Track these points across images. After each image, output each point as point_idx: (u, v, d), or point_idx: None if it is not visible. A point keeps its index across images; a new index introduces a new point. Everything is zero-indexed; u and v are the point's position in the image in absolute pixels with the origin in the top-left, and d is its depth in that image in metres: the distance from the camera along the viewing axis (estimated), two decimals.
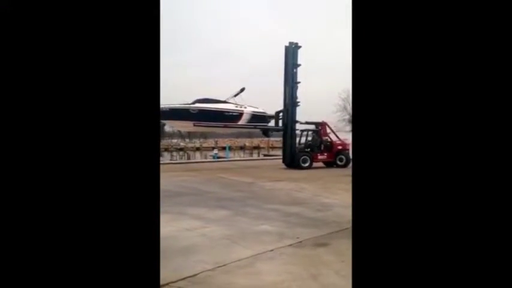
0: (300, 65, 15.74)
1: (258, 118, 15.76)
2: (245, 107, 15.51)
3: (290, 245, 4.09)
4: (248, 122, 15.63)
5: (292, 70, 15.62)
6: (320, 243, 4.16)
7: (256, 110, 15.80)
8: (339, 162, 15.55)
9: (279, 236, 4.44)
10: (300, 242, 4.21)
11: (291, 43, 15.67)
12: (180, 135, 58.13)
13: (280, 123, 15.99)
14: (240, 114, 15.33)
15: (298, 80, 15.42)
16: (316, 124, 16.51)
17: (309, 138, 16.26)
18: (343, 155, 15.67)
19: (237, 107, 15.43)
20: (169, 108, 13.96)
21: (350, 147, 15.84)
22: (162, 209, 6.01)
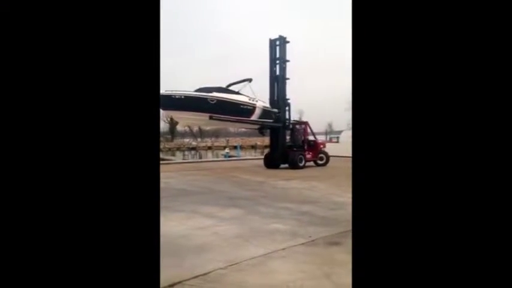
0: (288, 60, 14.81)
1: (267, 114, 14.27)
2: (256, 101, 13.83)
3: (302, 243, 4.07)
4: (258, 118, 13.86)
5: (282, 66, 14.63)
6: (333, 242, 4.13)
7: (265, 105, 14.31)
8: (319, 162, 15.40)
9: (291, 235, 4.42)
10: (313, 240, 4.18)
11: (281, 37, 14.81)
12: (192, 134, 58.58)
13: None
14: (253, 108, 13.56)
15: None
16: (299, 123, 16.19)
17: (288, 138, 15.54)
18: (323, 153, 15.75)
19: (250, 100, 13.60)
20: (185, 96, 11.75)
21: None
22: (175, 208, 6.07)
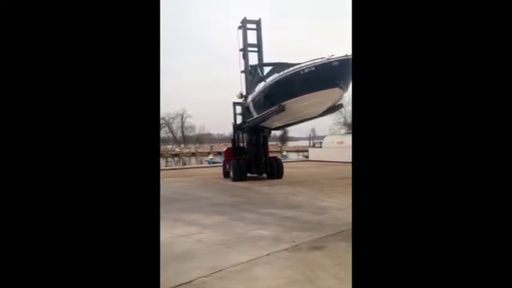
0: (261, 50, 12.21)
1: None
2: None
3: (286, 249, 4.08)
4: None
5: (261, 54, 12.27)
6: (316, 246, 4.15)
7: None
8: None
9: (275, 241, 4.42)
10: (296, 245, 4.20)
11: (259, 20, 12.48)
12: (175, 141, 57.99)
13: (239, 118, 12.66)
14: None
15: None
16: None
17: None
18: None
19: None
20: (315, 67, 8.64)
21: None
22: None
